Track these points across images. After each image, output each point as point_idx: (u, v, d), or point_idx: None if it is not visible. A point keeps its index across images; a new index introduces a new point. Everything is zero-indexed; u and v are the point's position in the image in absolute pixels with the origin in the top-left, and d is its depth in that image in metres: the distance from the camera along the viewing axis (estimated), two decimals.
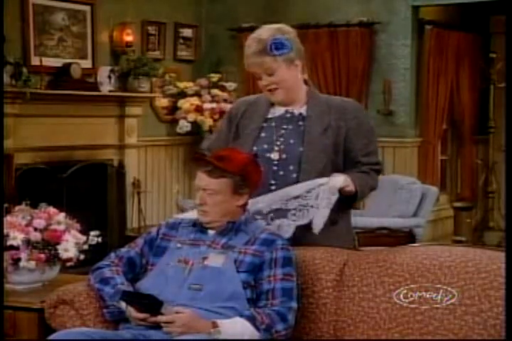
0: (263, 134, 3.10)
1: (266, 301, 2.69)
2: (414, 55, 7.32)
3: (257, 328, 2.60)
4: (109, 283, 2.78)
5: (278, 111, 3.13)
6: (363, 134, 3.09)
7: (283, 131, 3.08)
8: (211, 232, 2.84)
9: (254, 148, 3.07)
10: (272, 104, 3.14)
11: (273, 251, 2.76)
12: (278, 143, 3.06)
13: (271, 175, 3.02)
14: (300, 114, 3.10)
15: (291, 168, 3.02)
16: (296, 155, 3.02)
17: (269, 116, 3.13)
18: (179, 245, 2.82)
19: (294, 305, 2.71)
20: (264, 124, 3.12)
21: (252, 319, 2.61)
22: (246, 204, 2.89)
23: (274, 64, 2.99)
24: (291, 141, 3.05)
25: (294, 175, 3.01)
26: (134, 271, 2.89)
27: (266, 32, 3.01)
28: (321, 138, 3.03)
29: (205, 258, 2.74)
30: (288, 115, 3.11)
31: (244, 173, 2.82)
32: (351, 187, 2.95)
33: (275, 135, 3.08)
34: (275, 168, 3.03)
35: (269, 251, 2.76)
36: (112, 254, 2.93)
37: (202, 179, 2.81)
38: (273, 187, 3.01)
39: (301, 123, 3.08)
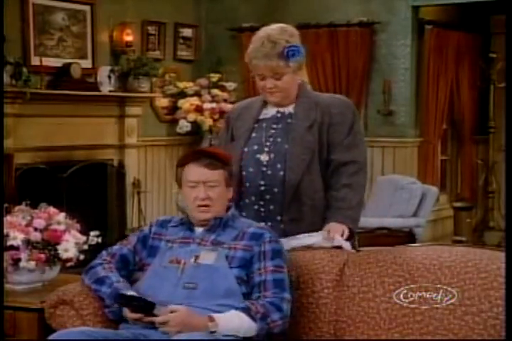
0: (254, 135, 3.12)
1: (258, 293, 2.70)
2: (414, 55, 7.32)
3: (253, 318, 2.61)
4: (104, 283, 2.78)
5: (270, 111, 3.15)
6: (343, 130, 3.07)
7: (272, 131, 3.10)
8: (199, 230, 2.84)
9: (245, 150, 3.09)
10: (265, 105, 3.15)
11: (261, 245, 2.77)
12: (268, 143, 3.08)
13: (260, 176, 3.04)
14: (289, 112, 3.12)
15: (279, 166, 3.04)
16: (283, 152, 3.04)
17: (261, 117, 3.15)
18: (169, 245, 2.82)
19: (287, 295, 2.71)
20: (256, 125, 3.14)
21: (246, 310, 2.62)
22: (233, 197, 2.92)
23: (285, 69, 3.00)
24: (279, 140, 3.07)
25: (281, 173, 3.03)
26: (128, 267, 2.89)
27: (280, 35, 3.00)
28: (306, 134, 3.04)
29: (197, 256, 2.75)
30: (279, 115, 3.13)
31: (231, 165, 2.88)
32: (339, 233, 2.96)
33: (265, 135, 3.09)
34: (264, 168, 3.05)
35: (257, 244, 2.77)
36: (104, 252, 2.93)
37: (202, 173, 2.80)
38: (262, 188, 3.04)
39: (289, 120, 3.10)
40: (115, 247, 2.94)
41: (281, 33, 3.01)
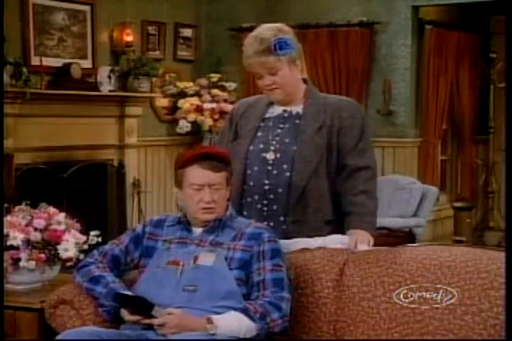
0: (260, 134, 3.10)
1: (257, 293, 2.69)
2: (414, 55, 7.32)
3: (252, 318, 2.60)
4: (99, 282, 2.76)
5: (276, 110, 3.13)
6: (355, 134, 3.06)
7: (279, 131, 3.08)
8: (197, 230, 2.82)
9: (251, 148, 3.07)
10: (271, 104, 3.13)
11: (260, 244, 2.75)
12: (274, 142, 3.06)
13: (265, 175, 3.03)
14: (297, 113, 3.10)
15: (285, 166, 3.02)
16: (290, 154, 3.02)
17: (267, 115, 3.13)
18: (167, 245, 2.81)
19: (286, 294, 2.70)
20: (262, 124, 3.12)
21: (245, 310, 2.61)
22: (230, 196, 2.91)
23: (277, 63, 2.99)
24: (287, 140, 3.05)
25: (287, 174, 3.01)
26: (119, 268, 2.87)
27: (267, 31, 3.00)
28: (315, 136, 3.03)
29: (196, 257, 2.73)
30: (286, 114, 3.11)
31: (230, 164, 2.87)
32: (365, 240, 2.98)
33: (271, 134, 3.08)
34: (269, 167, 3.03)
35: (256, 244, 2.75)
36: (95, 252, 2.92)
37: (207, 176, 2.77)
38: (266, 187, 3.03)
39: (297, 121, 3.08)
40: (107, 247, 2.91)
41: (269, 30, 3.01)
